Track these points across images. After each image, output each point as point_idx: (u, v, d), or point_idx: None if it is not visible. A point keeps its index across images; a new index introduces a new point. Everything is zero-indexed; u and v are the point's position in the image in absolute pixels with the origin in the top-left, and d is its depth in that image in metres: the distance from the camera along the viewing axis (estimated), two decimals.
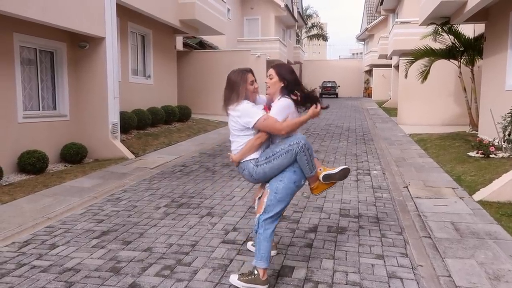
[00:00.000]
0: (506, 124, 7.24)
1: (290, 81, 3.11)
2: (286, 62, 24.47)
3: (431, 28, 11.90)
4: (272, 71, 3.17)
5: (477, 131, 10.49)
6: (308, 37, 45.08)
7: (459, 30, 11.46)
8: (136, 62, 11.98)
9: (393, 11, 24.13)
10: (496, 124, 7.74)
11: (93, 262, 3.51)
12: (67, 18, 7.07)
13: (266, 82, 3.18)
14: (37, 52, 7.59)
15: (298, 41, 41.00)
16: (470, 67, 11.66)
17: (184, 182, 6.41)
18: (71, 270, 3.37)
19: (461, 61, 11.91)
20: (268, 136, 3.08)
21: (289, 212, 4.77)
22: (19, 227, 4.38)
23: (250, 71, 3.17)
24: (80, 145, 7.80)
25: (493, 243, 3.78)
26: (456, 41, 11.61)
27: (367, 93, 34.88)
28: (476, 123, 11.09)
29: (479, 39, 11.04)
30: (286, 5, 27.95)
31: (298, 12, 35.45)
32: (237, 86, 3.05)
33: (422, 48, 11.92)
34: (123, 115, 9.33)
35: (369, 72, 34.79)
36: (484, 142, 7.50)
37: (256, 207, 3.25)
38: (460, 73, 12.00)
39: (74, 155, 7.64)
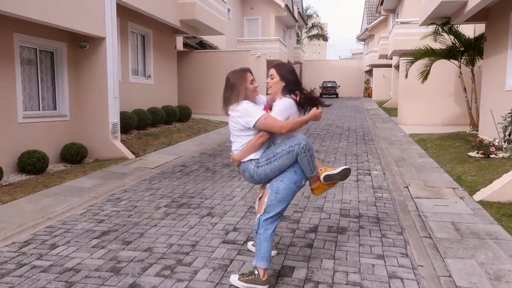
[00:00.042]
0: (507, 124, 7.24)
1: (290, 81, 3.12)
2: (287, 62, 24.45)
3: (431, 28, 11.90)
4: (273, 71, 3.16)
5: (478, 131, 10.49)
6: (308, 37, 45.08)
7: (460, 30, 11.46)
8: (136, 62, 11.98)
9: (393, 11, 24.13)
10: (497, 124, 7.74)
11: (93, 262, 3.51)
12: (67, 18, 7.07)
13: (267, 82, 3.18)
14: (37, 52, 7.59)
15: (298, 41, 41.01)
16: (471, 67, 11.66)
17: (185, 182, 6.41)
18: (71, 270, 3.37)
19: (462, 61, 11.90)
20: (269, 136, 3.08)
21: (289, 212, 4.77)
22: (19, 227, 4.37)
23: (249, 70, 3.17)
24: (80, 145, 7.80)
25: (493, 243, 3.78)
26: (456, 41, 11.61)
27: (367, 93, 34.86)
28: (476, 123, 11.08)
29: (480, 39, 11.03)
30: (286, 5, 27.95)
31: (299, 12, 35.45)
32: (236, 86, 3.05)
33: (423, 48, 11.91)
34: (123, 115, 9.33)
35: (369, 72, 34.79)
36: (484, 142, 7.50)
37: (256, 207, 3.25)
38: (461, 73, 12.00)
39: (74, 155, 7.64)
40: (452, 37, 11.57)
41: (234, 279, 3.07)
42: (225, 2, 16.25)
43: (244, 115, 2.99)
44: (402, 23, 17.44)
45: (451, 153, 8.09)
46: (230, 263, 3.47)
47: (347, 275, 3.25)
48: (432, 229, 4.17)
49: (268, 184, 3.08)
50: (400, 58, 15.02)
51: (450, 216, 4.58)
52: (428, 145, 9.38)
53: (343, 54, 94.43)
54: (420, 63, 12.24)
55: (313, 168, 3.09)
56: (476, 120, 11.21)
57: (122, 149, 8.26)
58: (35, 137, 7.28)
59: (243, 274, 3.08)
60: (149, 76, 12.54)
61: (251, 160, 3.06)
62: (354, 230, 4.26)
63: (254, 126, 2.98)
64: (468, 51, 11.53)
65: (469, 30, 12.14)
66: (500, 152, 7.32)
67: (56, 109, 8.07)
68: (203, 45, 18.87)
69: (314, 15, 46.37)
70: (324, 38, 45.30)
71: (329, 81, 35.98)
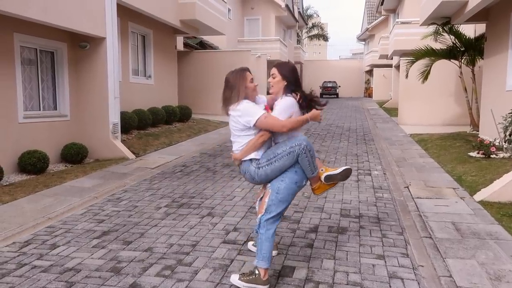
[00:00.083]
0: (507, 124, 7.23)
1: (291, 80, 3.11)
2: None
3: (431, 28, 11.89)
4: (274, 70, 3.15)
5: (478, 131, 10.49)
6: (308, 37, 45.08)
7: (460, 30, 11.45)
8: (137, 62, 11.98)
9: (394, 11, 24.13)
10: (497, 124, 7.73)
11: (93, 262, 3.51)
12: (68, 18, 7.07)
13: (269, 82, 3.17)
14: (37, 52, 7.59)
15: (298, 41, 41.00)
16: (471, 67, 11.65)
17: (185, 182, 6.41)
18: (71, 270, 3.37)
19: (462, 61, 11.90)
20: (271, 135, 3.06)
21: (290, 212, 4.76)
22: (20, 227, 4.38)
23: (248, 69, 3.17)
24: (80, 145, 7.80)
25: (494, 244, 3.77)
26: (456, 41, 11.60)
27: (368, 93, 34.85)
28: (477, 123, 11.08)
29: (480, 39, 11.03)
30: (287, 5, 27.96)
31: (299, 12, 35.45)
32: (236, 86, 3.04)
33: (423, 48, 11.91)
34: (124, 115, 9.33)
35: (369, 72, 34.77)
36: (485, 142, 7.49)
37: (257, 208, 3.24)
38: (461, 73, 11.99)
39: (75, 155, 7.64)
40: (452, 37, 11.57)
41: (234, 279, 3.07)
42: (226, 2, 16.25)
43: (245, 114, 2.98)
44: (402, 23, 17.43)
45: (451, 153, 8.09)
46: (231, 263, 3.47)
47: (348, 275, 3.25)
48: (432, 229, 4.17)
49: (269, 184, 3.07)
50: (401, 58, 15.01)
51: (450, 216, 4.58)
52: (428, 145, 9.37)
53: (344, 54, 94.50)
54: (421, 63, 12.23)
55: (314, 169, 3.09)
56: (476, 120, 11.21)
57: (123, 149, 8.26)
58: (35, 137, 7.29)
59: (243, 273, 3.08)
60: (150, 76, 12.54)
61: (251, 160, 3.05)
62: (354, 230, 4.26)
63: (254, 125, 2.97)
64: (469, 51, 11.52)
65: (470, 30, 12.14)
66: (500, 152, 7.31)
67: (56, 109, 8.07)
68: (203, 45, 18.87)
69: (315, 15, 46.39)
70: (325, 38, 45.30)
71: (330, 81, 35.97)
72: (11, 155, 6.77)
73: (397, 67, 19.85)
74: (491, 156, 7.17)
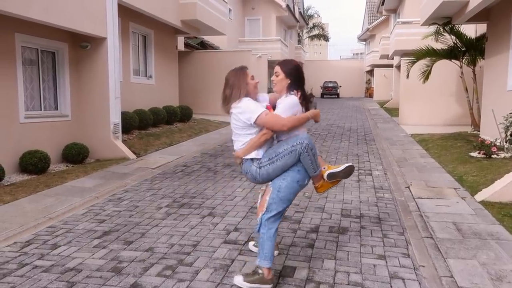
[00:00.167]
0: (508, 125, 7.23)
1: (295, 78, 3.08)
2: None
3: (432, 28, 11.89)
4: (278, 68, 3.11)
5: (479, 131, 10.48)
6: (309, 37, 45.10)
7: (461, 30, 11.44)
8: (138, 62, 11.99)
9: (395, 11, 24.12)
10: (498, 124, 7.72)
11: (94, 262, 3.51)
12: (69, 19, 7.08)
13: (272, 80, 3.13)
14: (38, 52, 7.60)
15: (299, 41, 41.01)
16: (472, 67, 11.64)
17: (186, 182, 6.41)
18: (72, 270, 3.37)
19: (463, 61, 11.89)
20: (273, 134, 3.03)
21: (290, 212, 4.76)
22: (21, 227, 4.38)
23: (247, 68, 3.16)
24: (81, 145, 7.81)
25: (495, 244, 3.77)
26: (457, 41, 11.60)
27: (369, 93, 34.84)
28: (478, 123, 11.07)
29: (481, 39, 11.02)
30: (288, 5, 27.97)
31: (300, 12, 35.46)
32: (237, 83, 3.02)
33: (424, 48, 11.90)
34: (125, 115, 9.34)
35: (370, 72, 34.76)
36: (486, 142, 7.48)
37: (257, 206, 3.22)
38: (462, 73, 11.99)
39: (76, 155, 7.65)
40: (453, 37, 11.56)
41: (239, 280, 3.04)
42: (226, 2, 16.26)
43: (246, 111, 2.96)
44: (403, 23, 17.42)
45: (452, 153, 8.08)
46: (232, 263, 3.47)
47: (349, 275, 3.24)
48: (433, 230, 4.17)
49: (270, 182, 3.06)
50: (401, 58, 15.00)
51: (451, 216, 4.57)
52: (429, 145, 9.37)
53: (344, 54, 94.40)
54: (422, 63, 12.23)
55: (316, 167, 3.06)
56: (477, 120, 11.20)
57: (123, 149, 8.27)
58: (36, 137, 7.29)
59: (247, 274, 3.06)
60: (150, 76, 12.55)
61: (252, 160, 3.03)
62: (355, 230, 4.25)
63: (255, 122, 2.94)
64: (470, 51, 11.51)
65: (471, 30, 12.13)
66: (501, 152, 7.30)
67: (57, 109, 8.08)
68: (204, 45, 18.88)
69: (315, 15, 46.42)
70: (325, 38, 45.34)
71: (330, 81, 35.94)
72: (12, 155, 6.78)
73: (398, 67, 19.85)
74: (492, 156, 7.16)
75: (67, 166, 7.59)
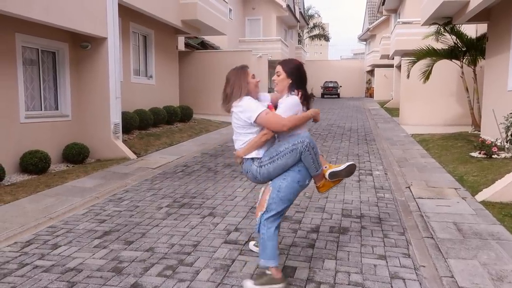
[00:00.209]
0: (509, 125, 7.22)
1: (297, 78, 3.04)
2: None
3: (433, 28, 11.89)
4: (279, 68, 3.08)
5: (480, 131, 10.47)
6: (310, 37, 45.09)
7: (461, 30, 11.44)
8: (138, 62, 11.99)
9: (395, 11, 24.11)
10: (499, 124, 7.72)
11: (95, 262, 3.51)
12: (69, 19, 7.08)
13: (273, 80, 3.11)
14: (39, 52, 7.61)
15: (300, 41, 41.01)
16: (473, 67, 11.64)
17: (186, 182, 6.41)
18: (73, 270, 3.37)
19: (463, 61, 11.88)
20: (274, 135, 3.01)
21: (291, 212, 4.76)
22: (22, 227, 4.38)
23: (248, 67, 3.14)
24: (82, 145, 7.81)
25: (496, 244, 3.77)
26: (458, 41, 11.59)
27: (369, 93, 34.84)
28: (478, 123, 11.06)
29: (482, 39, 11.01)
30: (288, 5, 27.98)
31: (300, 12, 35.46)
32: (238, 82, 3.01)
33: (424, 48, 11.89)
34: (125, 115, 9.34)
35: (371, 72, 34.76)
36: (486, 142, 7.48)
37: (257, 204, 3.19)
38: (463, 73, 11.98)
39: (76, 155, 7.65)
40: (454, 37, 11.56)
41: (249, 285, 2.95)
42: (227, 2, 16.26)
43: (246, 110, 2.94)
44: (403, 23, 17.42)
45: (453, 154, 8.08)
46: (232, 263, 3.46)
47: (349, 275, 3.24)
48: (434, 230, 4.16)
49: (270, 182, 3.03)
50: (402, 58, 15.00)
51: (452, 216, 4.57)
52: (430, 145, 9.36)
53: (345, 54, 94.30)
54: (422, 63, 12.22)
55: (318, 166, 3.02)
56: (478, 120, 11.19)
57: (124, 149, 8.27)
58: (37, 137, 7.30)
59: (256, 277, 3.01)
60: (151, 76, 12.55)
61: (253, 159, 3.01)
62: (356, 230, 4.25)
63: (255, 121, 2.92)
64: (470, 51, 11.51)
65: (471, 30, 12.12)
66: (502, 152, 7.30)
67: (58, 109, 8.08)
68: (204, 45, 18.88)
69: (316, 15, 46.40)
70: (326, 38, 45.34)
71: (331, 81, 35.94)
72: (12, 155, 6.78)
73: (399, 67, 19.84)
74: (493, 156, 7.15)
75: (67, 166, 7.59)
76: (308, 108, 3.14)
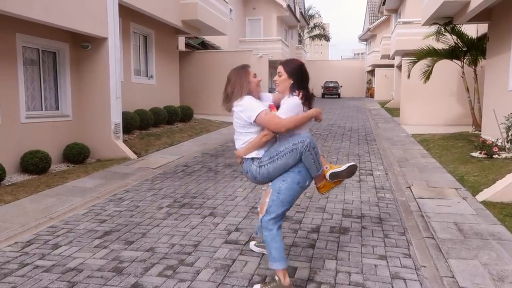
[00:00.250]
0: (510, 125, 7.22)
1: (298, 78, 3.01)
2: None
3: (433, 28, 11.87)
4: (280, 68, 3.05)
5: (480, 131, 10.46)
6: (310, 37, 45.09)
7: (462, 30, 11.43)
8: (139, 63, 12.00)
9: (396, 11, 24.10)
10: (500, 124, 7.71)
11: (95, 262, 3.51)
12: (70, 19, 7.08)
13: (275, 80, 3.09)
14: (39, 52, 7.61)
15: (300, 41, 41.01)
16: (473, 67, 11.63)
17: (187, 182, 6.41)
18: (73, 270, 3.37)
19: (464, 61, 11.87)
20: (274, 135, 2.98)
21: (291, 212, 4.76)
22: (22, 227, 4.38)
23: (249, 66, 3.13)
24: (82, 145, 7.82)
25: (496, 244, 3.76)
26: (459, 41, 11.58)
27: (370, 93, 34.84)
28: (479, 123, 11.05)
29: (482, 39, 11.00)
30: (288, 5, 27.97)
31: (300, 12, 35.46)
32: (239, 81, 2.99)
33: (425, 48, 11.88)
34: (126, 115, 9.34)
35: (371, 72, 34.75)
36: (487, 142, 7.47)
37: (259, 208, 3.17)
38: (463, 73, 11.97)
39: (77, 155, 7.66)
40: (454, 37, 11.54)
41: None
42: (227, 2, 16.26)
43: (247, 109, 2.92)
44: (404, 23, 17.41)
45: (453, 154, 8.07)
46: (232, 263, 3.46)
47: (350, 275, 3.24)
48: (435, 230, 4.16)
49: (270, 184, 3.01)
50: (403, 58, 14.99)
51: (453, 216, 4.56)
52: (430, 145, 9.35)
53: (345, 54, 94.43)
54: (423, 63, 12.21)
55: (318, 166, 2.98)
56: (478, 120, 11.18)
57: (124, 149, 8.27)
58: (37, 137, 7.30)
59: (265, 283, 2.98)
60: (151, 76, 12.56)
61: (253, 159, 2.99)
62: (356, 230, 4.25)
63: (254, 121, 2.90)
64: (471, 51, 11.50)
65: (472, 30, 12.11)
66: (503, 152, 7.29)
67: (58, 109, 8.09)
68: (205, 46, 18.89)
69: (316, 15, 46.40)
70: (326, 38, 45.33)
71: (331, 81, 35.93)
72: (13, 155, 6.78)
73: (399, 67, 19.83)
74: (494, 156, 7.15)
75: (68, 166, 7.60)
76: (310, 108, 3.10)
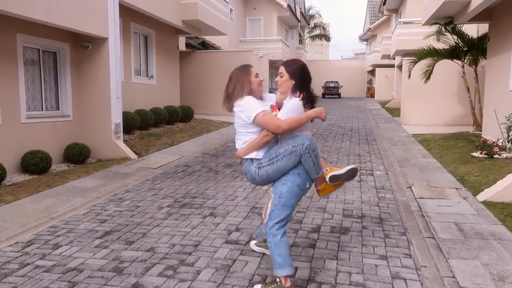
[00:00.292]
0: (510, 125, 7.21)
1: (300, 79, 2.97)
2: None
3: (434, 28, 11.87)
4: (282, 69, 3.01)
5: (481, 131, 10.45)
6: (310, 37, 45.06)
7: (463, 30, 11.42)
8: (139, 63, 12.00)
9: (396, 11, 24.09)
10: (500, 124, 7.70)
11: (96, 262, 3.51)
12: (70, 19, 7.08)
13: (276, 81, 3.06)
14: (40, 52, 7.61)
15: (300, 41, 41.00)
16: (474, 67, 11.62)
17: (187, 182, 6.41)
18: (74, 270, 3.37)
19: (465, 61, 11.86)
20: (274, 136, 2.95)
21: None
22: (23, 227, 4.38)
23: (251, 66, 3.12)
24: (83, 145, 7.82)
25: (497, 244, 3.76)
26: (459, 41, 11.57)
27: (370, 93, 34.82)
28: (479, 123, 11.05)
29: (483, 39, 10.99)
30: (289, 5, 27.97)
31: (301, 12, 35.46)
32: (240, 81, 2.98)
33: (425, 48, 11.87)
34: (126, 115, 9.34)
35: (372, 72, 34.74)
36: (488, 142, 7.46)
37: (263, 215, 3.09)
38: (464, 73, 11.96)
39: (77, 155, 7.66)
40: (455, 37, 11.54)
41: None
42: (228, 3, 16.27)
43: (246, 110, 2.90)
44: (405, 23, 17.41)
45: (454, 153, 8.06)
46: (233, 263, 3.46)
47: (350, 275, 3.24)
48: (435, 230, 4.15)
49: (271, 189, 2.99)
50: (403, 58, 14.99)
51: (453, 216, 4.56)
52: (431, 145, 9.35)
53: (346, 54, 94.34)
54: (423, 63, 12.20)
55: (318, 169, 2.95)
56: (479, 120, 11.18)
57: (125, 149, 8.27)
58: (38, 137, 7.30)
59: (266, 284, 2.98)
60: (152, 77, 12.56)
61: (252, 160, 2.96)
62: (357, 230, 4.25)
63: (253, 121, 2.88)
64: (472, 51, 11.49)
65: (473, 30, 12.10)
66: (503, 152, 7.29)
67: (59, 109, 8.09)
68: (205, 46, 18.89)
69: (317, 15, 46.36)
70: (327, 38, 45.29)
71: (332, 81, 35.93)
72: (14, 155, 6.79)
73: (400, 67, 19.82)
74: (494, 156, 7.14)
75: (68, 166, 7.60)
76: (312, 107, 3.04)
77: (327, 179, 3.10)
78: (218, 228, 4.35)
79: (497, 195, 5.05)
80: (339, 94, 34.95)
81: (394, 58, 22.15)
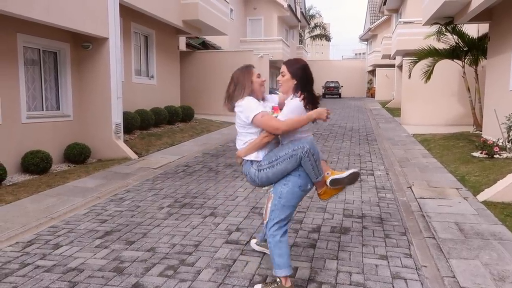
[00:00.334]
0: (511, 125, 7.21)
1: (302, 79, 2.94)
2: None
3: (434, 28, 11.86)
4: (284, 68, 2.99)
5: (481, 131, 10.45)
6: (311, 37, 45.06)
7: (463, 30, 11.42)
8: (139, 63, 12.00)
9: (397, 11, 24.08)
10: (501, 124, 7.70)
11: (96, 262, 3.51)
12: (71, 19, 7.09)
13: (278, 80, 3.04)
14: (40, 52, 7.62)
15: (301, 41, 41.01)
16: (474, 67, 11.61)
17: (187, 182, 6.41)
18: (74, 270, 3.37)
19: (465, 61, 11.86)
20: (275, 137, 2.94)
21: None
22: (23, 227, 4.39)
23: (253, 66, 3.11)
24: (83, 145, 7.82)
25: (497, 244, 3.76)
26: (460, 41, 11.57)
27: (370, 93, 34.80)
28: (480, 123, 11.04)
29: (483, 39, 10.99)
30: (289, 5, 27.97)
31: (301, 12, 35.45)
32: (242, 81, 2.97)
33: (426, 48, 11.87)
34: (126, 115, 9.34)
35: (372, 72, 34.72)
36: (488, 142, 7.46)
37: (263, 215, 3.08)
38: (464, 73, 11.96)
39: (78, 155, 7.66)
40: (455, 37, 11.53)
41: None
42: (228, 3, 16.27)
43: (245, 110, 2.89)
44: (405, 23, 17.40)
45: (454, 153, 8.06)
46: (233, 263, 3.46)
47: (351, 275, 3.24)
48: (435, 230, 4.15)
49: (272, 189, 2.98)
50: (403, 58, 14.98)
51: (453, 216, 4.56)
52: (431, 145, 9.35)
53: (346, 54, 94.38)
54: (423, 63, 12.20)
55: (318, 173, 2.93)
56: (479, 120, 11.17)
57: (125, 149, 8.28)
58: (38, 137, 7.31)
59: (266, 283, 2.98)
60: (152, 77, 12.56)
61: (252, 162, 2.95)
62: (357, 230, 4.25)
63: (251, 122, 2.87)
64: (472, 51, 11.49)
65: (473, 30, 12.10)
66: (504, 152, 7.28)
67: (59, 109, 8.10)
68: (205, 46, 18.89)
69: (317, 15, 46.35)
70: (327, 38, 45.28)
71: (332, 81, 35.91)
72: (14, 155, 6.79)
73: (400, 67, 19.82)
74: (495, 156, 7.14)
75: (69, 166, 7.60)
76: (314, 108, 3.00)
77: (327, 183, 3.07)
78: (218, 228, 4.35)
79: (498, 195, 5.05)
80: (339, 94, 34.94)
81: (395, 58, 22.14)
